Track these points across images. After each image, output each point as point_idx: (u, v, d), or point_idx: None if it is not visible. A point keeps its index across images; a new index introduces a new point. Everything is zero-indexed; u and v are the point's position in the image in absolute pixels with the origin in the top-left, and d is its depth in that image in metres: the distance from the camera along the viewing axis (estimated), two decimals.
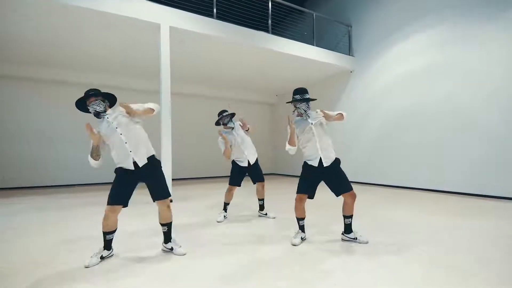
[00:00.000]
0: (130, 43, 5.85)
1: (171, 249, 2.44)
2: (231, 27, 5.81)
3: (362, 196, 5.16)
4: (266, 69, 7.79)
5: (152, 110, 2.38)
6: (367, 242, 2.62)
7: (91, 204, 4.97)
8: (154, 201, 2.39)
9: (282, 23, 8.10)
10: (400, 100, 6.71)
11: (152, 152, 2.42)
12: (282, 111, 11.27)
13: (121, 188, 2.27)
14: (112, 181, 2.29)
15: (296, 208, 2.72)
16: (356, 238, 2.65)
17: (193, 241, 2.81)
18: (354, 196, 2.63)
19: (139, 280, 1.94)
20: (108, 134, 2.24)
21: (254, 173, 3.68)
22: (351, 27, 7.97)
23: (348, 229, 2.70)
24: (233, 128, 3.63)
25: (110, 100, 2.40)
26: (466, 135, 5.43)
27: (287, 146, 2.69)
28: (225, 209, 3.73)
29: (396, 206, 4.53)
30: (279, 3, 6.74)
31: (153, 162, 2.39)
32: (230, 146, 3.55)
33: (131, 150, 2.23)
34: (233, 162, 3.68)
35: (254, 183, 3.73)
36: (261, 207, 3.85)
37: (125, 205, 2.28)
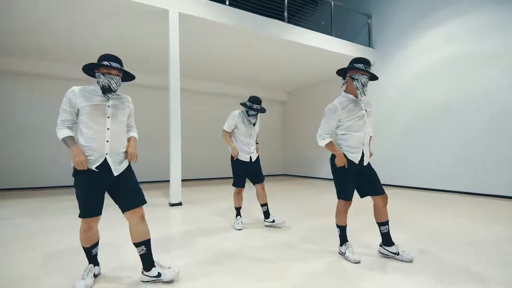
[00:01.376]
0: (135, 33, 5.40)
1: (158, 275, 1.78)
2: (245, 15, 5.33)
3: (392, 200, 4.65)
4: (279, 62, 7.28)
5: (136, 139, 1.99)
6: (411, 261, 2.10)
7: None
8: (123, 212, 1.78)
9: (299, 13, 7.60)
10: (427, 95, 6.15)
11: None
12: (294, 109, 10.76)
13: (93, 195, 1.71)
14: (74, 187, 1.74)
15: (339, 215, 2.27)
16: (398, 253, 2.14)
17: (209, 257, 2.32)
18: (386, 199, 2.21)
19: None
20: (92, 108, 1.71)
21: (255, 171, 3.18)
22: (371, 17, 7.42)
23: (387, 240, 2.20)
24: (254, 124, 3.19)
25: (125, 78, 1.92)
26: (502, 133, 4.86)
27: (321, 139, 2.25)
28: (239, 214, 3.28)
29: (435, 212, 3.98)
30: None
31: (129, 168, 1.88)
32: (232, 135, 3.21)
33: (107, 140, 1.73)
34: (236, 161, 3.14)
35: (254, 184, 3.21)
36: (266, 214, 3.24)
37: (101, 213, 1.77)
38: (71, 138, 1.70)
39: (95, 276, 1.83)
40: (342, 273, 1.96)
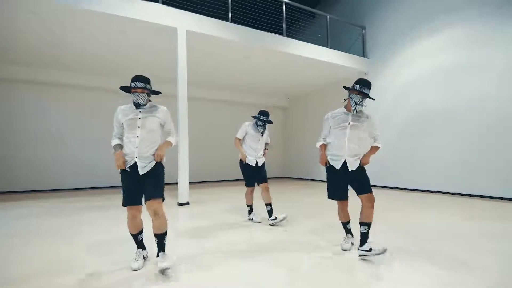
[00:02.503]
0: (145, 48, 5.91)
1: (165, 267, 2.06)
2: (246, 31, 5.81)
3: (387, 201, 5.06)
4: (280, 72, 7.76)
5: (171, 144, 2.35)
6: (384, 251, 2.24)
7: (99, 208, 4.95)
8: (145, 202, 2.14)
9: (296, 25, 8.08)
10: (418, 102, 6.57)
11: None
12: (294, 114, 11.23)
13: (132, 189, 2.17)
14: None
15: (338, 213, 2.66)
16: (371, 249, 2.27)
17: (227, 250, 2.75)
18: (371, 200, 2.39)
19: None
20: (128, 122, 2.19)
21: (260, 174, 3.64)
22: (364, 28, 7.89)
23: (362, 240, 2.36)
24: (262, 133, 3.69)
25: (155, 92, 2.34)
26: (492, 137, 5.26)
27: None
28: (252, 210, 3.83)
29: (423, 211, 4.39)
30: (293, 5, 6.72)
31: (157, 165, 2.25)
32: (243, 141, 3.73)
33: (137, 146, 2.16)
34: (244, 165, 3.64)
35: (258, 185, 3.67)
36: (270, 213, 3.56)
37: (139, 203, 2.20)
38: (117, 145, 2.23)
39: (144, 258, 2.28)
40: (341, 265, 2.27)
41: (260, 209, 4.03)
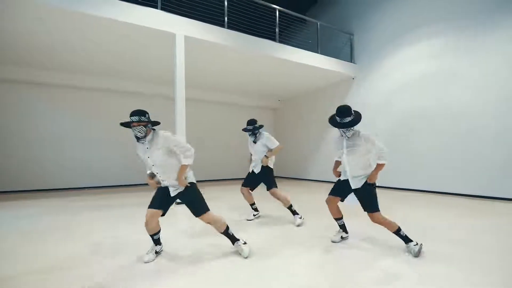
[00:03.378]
0: (144, 51, 6.07)
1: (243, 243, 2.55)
2: (241, 37, 6.06)
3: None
4: (272, 75, 8.05)
5: (186, 166, 2.43)
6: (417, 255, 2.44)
7: (100, 207, 5.11)
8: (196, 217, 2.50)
9: (288, 29, 8.39)
10: (401, 106, 7.01)
11: (190, 180, 2.51)
12: (284, 115, 11.57)
13: (160, 197, 2.45)
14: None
15: (329, 209, 2.91)
16: (412, 251, 2.48)
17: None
18: (373, 218, 2.59)
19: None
20: (143, 156, 2.41)
21: (258, 180, 3.92)
22: (352, 35, 8.29)
23: (405, 239, 2.56)
24: (255, 141, 3.87)
25: (153, 123, 2.43)
26: (470, 139, 5.70)
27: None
28: (253, 209, 4.09)
29: (408, 209, 4.78)
30: (285, 12, 7.02)
31: (187, 188, 2.48)
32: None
33: (160, 177, 2.42)
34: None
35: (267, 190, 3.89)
36: (293, 213, 3.77)
37: (163, 212, 2.45)
38: (148, 174, 2.51)
39: (157, 253, 2.51)
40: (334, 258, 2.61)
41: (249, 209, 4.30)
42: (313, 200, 5.77)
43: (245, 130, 3.86)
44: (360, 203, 2.68)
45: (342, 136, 2.66)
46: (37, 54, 6.23)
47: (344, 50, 8.43)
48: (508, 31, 5.20)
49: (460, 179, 5.81)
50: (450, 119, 6.02)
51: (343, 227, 2.96)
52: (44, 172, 7.52)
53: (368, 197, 2.62)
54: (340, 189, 2.80)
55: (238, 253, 2.53)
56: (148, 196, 2.75)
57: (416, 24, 6.74)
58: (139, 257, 2.49)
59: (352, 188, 2.68)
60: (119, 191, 7.42)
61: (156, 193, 2.48)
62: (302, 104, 10.52)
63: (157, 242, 2.53)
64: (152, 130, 2.41)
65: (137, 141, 2.36)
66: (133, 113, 2.29)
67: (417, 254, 2.43)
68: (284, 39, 7.74)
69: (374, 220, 2.59)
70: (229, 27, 6.02)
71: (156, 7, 5.17)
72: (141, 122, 2.29)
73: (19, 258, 2.54)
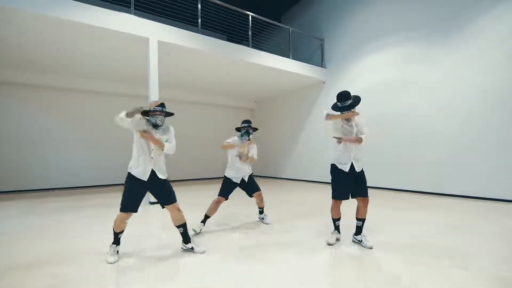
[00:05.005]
0: (119, 54, 6.15)
1: (192, 248, 2.73)
2: (214, 42, 6.28)
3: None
4: (246, 78, 8.34)
5: (163, 146, 2.60)
6: (371, 247, 2.75)
7: (81, 207, 5.21)
8: (163, 207, 2.69)
9: (259, 36, 8.70)
10: (367, 109, 7.46)
11: (166, 176, 2.70)
12: (261, 116, 11.91)
13: (133, 197, 2.56)
14: (124, 188, 2.57)
15: (332, 210, 3.00)
16: (362, 241, 2.83)
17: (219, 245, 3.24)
18: (365, 202, 2.85)
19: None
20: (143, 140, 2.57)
21: (250, 186, 3.70)
22: (323, 40, 8.74)
23: (357, 231, 2.91)
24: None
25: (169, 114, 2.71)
26: (425, 141, 6.29)
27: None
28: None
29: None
30: (258, 18, 7.31)
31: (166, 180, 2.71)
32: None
33: (153, 166, 2.57)
34: (225, 178, 3.61)
35: (250, 196, 3.75)
36: (260, 213, 3.89)
37: (135, 211, 2.59)
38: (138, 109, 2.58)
39: (117, 253, 2.62)
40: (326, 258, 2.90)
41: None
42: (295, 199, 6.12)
43: (243, 127, 3.56)
44: (359, 189, 2.84)
45: (343, 124, 2.90)
46: (11, 55, 6.15)
47: (315, 55, 8.87)
48: (457, 41, 5.81)
49: (410, 177, 6.42)
50: (405, 121, 6.61)
51: (338, 228, 3.03)
52: (15, 174, 7.38)
53: (365, 181, 2.88)
54: (345, 191, 2.88)
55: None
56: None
57: (376, 35, 7.29)
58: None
59: (357, 171, 2.83)
60: (91, 191, 7.43)
61: (128, 195, 2.56)
62: (276, 105, 10.90)
63: (118, 241, 2.64)
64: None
65: (154, 128, 2.62)
66: (160, 105, 2.61)
67: (371, 246, 2.76)
68: (257, 44, 8.04)
69: (366, 204, 2.84)
70: (202, 31, 6.22)
71: (129, 12, 5.28)
72: (163, 112, 2.62)
73: None
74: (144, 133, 2.50)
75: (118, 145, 8.36)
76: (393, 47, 6.93)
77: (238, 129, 3.68)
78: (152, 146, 2.58)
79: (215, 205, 3.47)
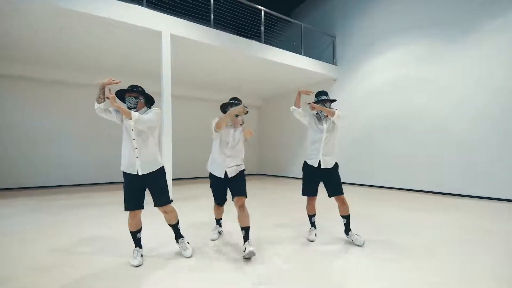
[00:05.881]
0: (131, 47, 6.04)
1: (182, 246, 2.59)
2: (227, 36, 6.16)
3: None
4: (256, 75, 8.21)
5: (130, 114, 2.26)
6: (362, 244, 2.74)
7: (85, 205, 5.11)
8: (155, 206, 2.50)
9: (271, 30, 8.57)
10: (378, 107, 7.40)
11: (160, 165, 2.50)
12: (268, 114, 11.78)
13: (130, 193, 2.39)
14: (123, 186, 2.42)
15: (306, 206, 3.06)
16: (352, 240, 2.81)
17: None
18: (340, 199, 2.83)
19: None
20: (126, 127, 2.35)
21: (234, 186, 2.80)
22: (335, 37, 8.59)
23: (346, 228, 2.89)
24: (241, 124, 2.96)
25: (148, 100, 2.49)
26: (437, 139, 6.15)
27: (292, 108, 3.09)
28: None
29: (375, 204, 5.13)
30: (270, 13, 7.18)
31: (158, 172, 2.47)
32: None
33: (137, 156, 2.34)
34: (209, 176, 2.98)
35: (233, 199, 2.74)
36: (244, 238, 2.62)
37: (141, 208, 2.42)
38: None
39: (142, 256, 2.44)
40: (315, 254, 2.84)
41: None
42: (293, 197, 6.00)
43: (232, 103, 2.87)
44: (331, 187, 2.84)
45: (320, 118, 2.94)
46: (14, 48, 6.03)
47: (327, 51, 8.73)
48: (471, 40, 5.65)
49: (426, 176, 6.28)
50: (417, 120, 6.46)
51: (314, 224, 3.08)
52: (12, 171, 7.29)
53: (339, 179, 2.87)
54: (314, 188, 2.94)
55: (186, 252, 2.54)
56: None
57: (389, 33, 7.16)
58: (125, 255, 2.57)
59: (323, 167, 2.81)
60: (98, 189, 7.34)
61: (125, 192, 2.40)
62: (285, 102, 10.76)
63: (139, 243, 2.50)
64: (145, 106, 2.49)
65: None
66: (130, 86, 2.42)
67: (362, 243, 2.73)
68: (269, 39, 7.90)
69: (342, 201, 2.83)
70: (215, 26, 6.10)
71: (142, 4, 5.16)
72: (132, 92, 2.39)
73: (5, 259, 2.56)
74: (114, 100, 2.24)
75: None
76: (406, 46, 6.78)
77: (224, 111, 2.93)
78: (134, 135, 2.33)
79: (216, 210, 3.17)
